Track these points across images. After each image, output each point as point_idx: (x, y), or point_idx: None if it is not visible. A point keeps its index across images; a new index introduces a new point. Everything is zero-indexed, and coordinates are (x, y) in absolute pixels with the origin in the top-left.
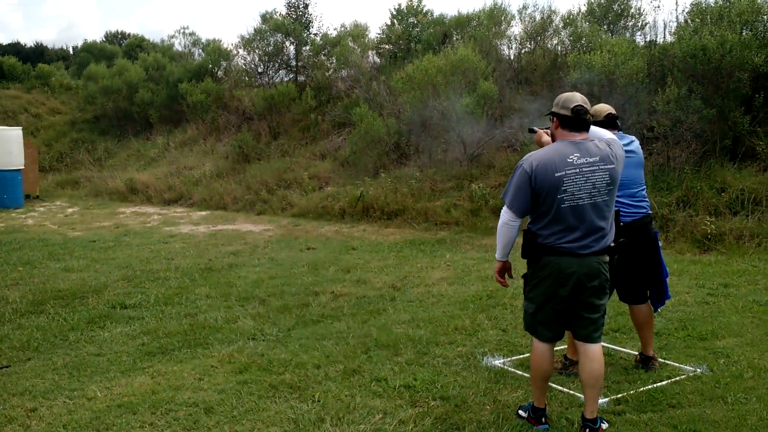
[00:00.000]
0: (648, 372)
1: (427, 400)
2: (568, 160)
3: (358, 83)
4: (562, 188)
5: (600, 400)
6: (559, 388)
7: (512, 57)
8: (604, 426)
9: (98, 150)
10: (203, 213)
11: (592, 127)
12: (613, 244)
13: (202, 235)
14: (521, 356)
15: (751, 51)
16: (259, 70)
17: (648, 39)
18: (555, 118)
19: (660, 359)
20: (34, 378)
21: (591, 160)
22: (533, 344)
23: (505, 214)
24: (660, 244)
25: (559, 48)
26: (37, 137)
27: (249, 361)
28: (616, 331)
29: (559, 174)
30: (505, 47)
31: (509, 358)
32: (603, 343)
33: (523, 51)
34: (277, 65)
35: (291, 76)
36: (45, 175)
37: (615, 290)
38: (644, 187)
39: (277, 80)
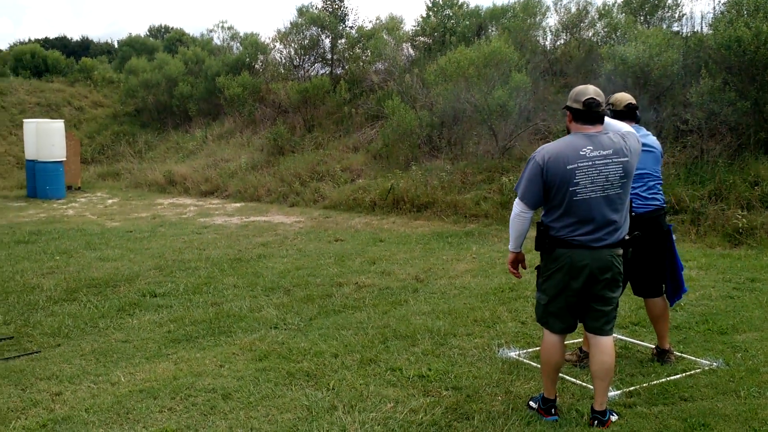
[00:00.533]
0: (663, 365)
1: (439, 389)
2: (581, 152)
3: (392, 76)
4: (575, 181)
5: (611, 393)
6: (572, 380)
7: (547, 48)
8: (614, 418)
9: (139, 142)
10: (237, 205)
11: (608, 119)
12: (627, 237)
13: (235, 227)
14: (537, 348)
15: None
16: (295, 63)
17: (684, 30)
18: (569, 112)
19: (677, 353)
20: (62, 363)
21: (604, 153)
22: (544, 335)
23: (517, 205)
24: (674, 237)
25: (594, 39)
26: (79, 130)
27: (269, 349)
28: (635, 325)
29: (571, 167)
30: (539, 38)
31: (525, 350)
32: (620, 336)
33: (557, 42)
34: (312, 58)
35: (326, 69)
36: (87, 166)
37: (629, 283)
38: (660, 180)
39: (312, 73)
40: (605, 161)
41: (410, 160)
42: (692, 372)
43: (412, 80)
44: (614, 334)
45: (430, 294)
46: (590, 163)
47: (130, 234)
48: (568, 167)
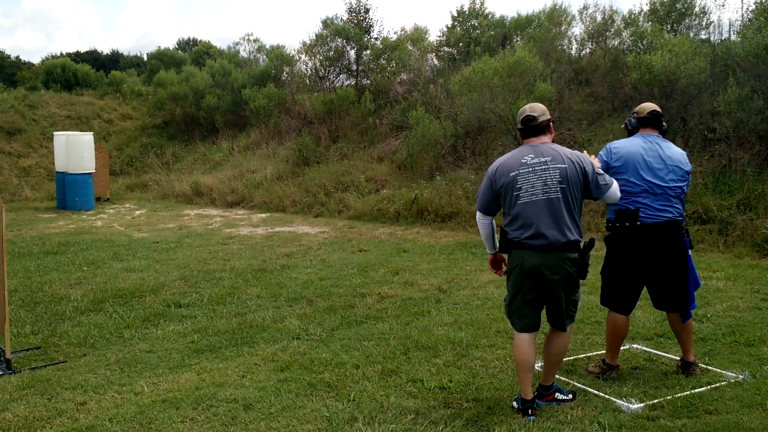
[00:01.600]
0: (688, 378)
1: (460, 401)
2: (522, 160)
3: (416, 86)
4: (517, 186)
5: (634, 405)
6: (594, 392)
7: (572, 58)
8: (561, 396)
9: (166, 154)
10: (263, 215)
11: (560, 148)
12: (578, 240)
13: (260, 237)
14: None
15: None
16: (320, 74)
17: (712, 38)
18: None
19: (702, 365)
20: (87, 373)
21: (543, 159)
22: (514, 335)
23: (478, 213)
24: (690, 252)
25: (621, 48)
26: (108, 142)
27: (291, 359)
28: (660, 336)
29: (513, 173)
30: (565, 48)
31: None
32: (644, 348)
33: (583, 52)
34: (337, 70)
35: (351, 80)
36: (115, 178)
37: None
38: (675, 193)
39: (337, 84)
40: (544, 167)
41: (434, 171)
42: (717, 385)
43: (436, 90)
44: (634, 345)
45: (452, 305)
46: (530, 169)
47: (157, 245)
48: (511, 174)
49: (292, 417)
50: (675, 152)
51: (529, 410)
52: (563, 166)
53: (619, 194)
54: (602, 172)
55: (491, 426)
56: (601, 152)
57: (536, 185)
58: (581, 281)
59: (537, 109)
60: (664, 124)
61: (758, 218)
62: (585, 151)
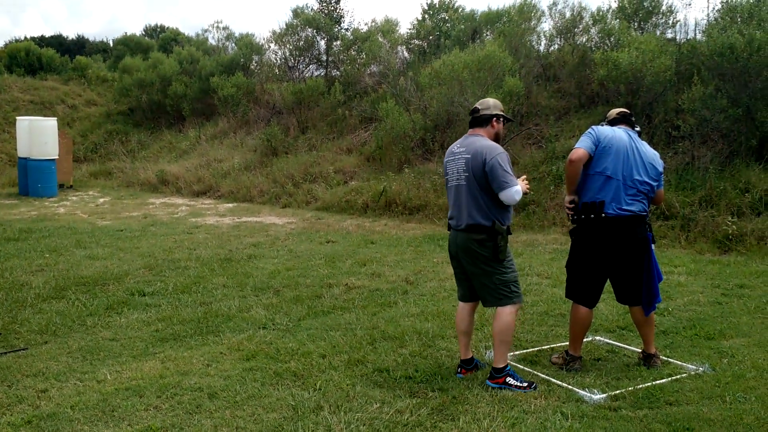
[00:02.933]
0: (649, 369)
1: (426, 391)
2: (452, 150)
3: (386, 78)
4: (447, 171)
5: (596, 396)
6: (558, 382)
7: (540, 53)
8: (513, 382)
9: (131, 141)
10: (230, 205)
11: (487, 143)
12: (483, 224)
13: (226, 227)
14: (524, 351)
15: None
16: (290, 64)
17: (677, 37)
18: None
19: (663, 357)
20: (48, 360)
21: (461, 149)
22: None
23: None
24: (653, 247)
25: (588, 45)
26: (72, 128)
27: (257, 349)
28: (622, 329)
29: (446, 160)
30: (533, 43)
31: (512, 353)
32: (606, 339)
33: (551, 47)
34: (307, 60)
35: (321, 70)
36: (79, 165)
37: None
38: (643, 188)
39: (307, 75)
40: (459, 156)
41: (403, 163)
42: (678, 377)
43: (406, 83)
44: (597, 337)
45: (419, 296)
46: (454, 157)
47: (121, 233)
48: (445, 161)
49: (257, 405)
50: (649, 151)
51: (459, 369)
52: (468, 156)
53: (512, 199)
54: (509, 172)
55: (456, 415)
56: (588, 131)
57: (453, 172)
58: (510, 264)
59: (484, 103)
60: (636, 126)
61: (719, 215)
62: None
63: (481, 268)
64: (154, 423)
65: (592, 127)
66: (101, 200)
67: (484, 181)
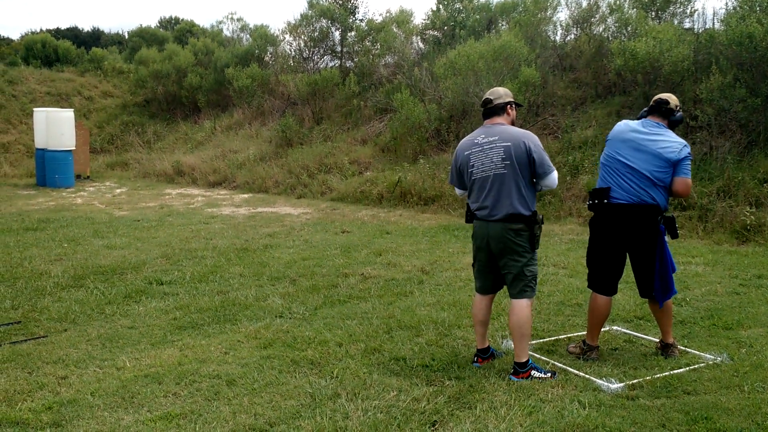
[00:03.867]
0: (667, 359)
1: (442, 379)
2: (476, 141)
3: (401, 69)
4: (470, 164)
5: (614, 385)
6: (575, 371)
7: (557, 43)
8: (537, 374)
9: (147, 133)
10: (245, 196)
11: (511, 128)
12: (521, 213)
13: (242, 217)
14: (541, 340)
15: None
16: (305, 55)
17: (695, 26)
18: None
19: (681, 347)
20: (68, 348)
21: (491, 139)
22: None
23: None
24: (665, 238)
25: (605, 34)
26: (89, 119)
27: (274, 337)
28: (640, 319)
29: (467, 152)
30: (550, 33)
31: (529, 342)
32: (624, 330)
33: (567, 37)
34: (322, 51)
35: (335, 61)
36: (96, 156)
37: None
38: (659, 181)
39: (321, 66)
40: (491, 146)
41: (418, 154)
42: (696, 366)
43: (421, 74)
44: (614, 327)
45: (435, 286)
46: (480, 148)
47: (138, 223)
48: (465, 153)
49: (275, 393)
50: (666, 142)
51: (476, 358)
52: (508, 144)
53: (555, 182)
54: (546, 156)
55: (473, 403)
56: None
57: (485, 162)
58: (536, 256)
59: (495, 92)
60: (675, 113)
61: (737, 205)
62: None
63: (515, 259)
64: (173, 409)
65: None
66: (118, 191)
67: (527, 168)
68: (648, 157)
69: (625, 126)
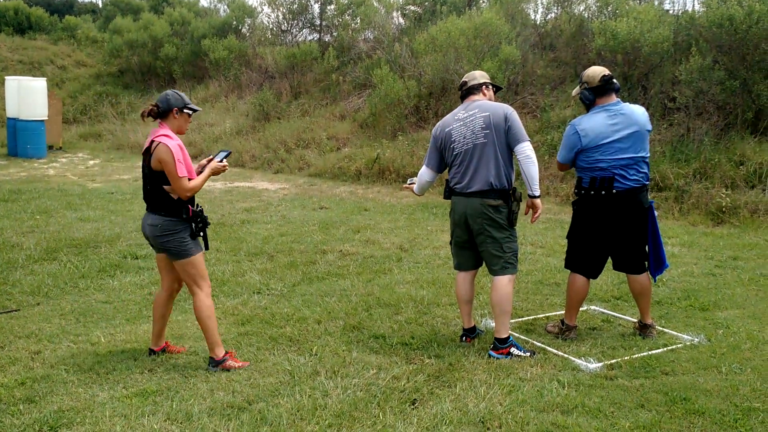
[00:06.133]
0: (645, 339)
1: (422, 357)
2: (456, 117)
3: (381, 44)
4: (452, 139)
5: (593, 365)
6: (554, 351)
7: (537, 22)
8: (516, 351)
9: (122, 103)
10: None
11: (488, 103)
12: (500, 188)
13: (218, 191)
14: (520, 319)
15: None
16: (283, 28)
17: (676, 7)
18: None
19: (659, 327)
20: (41, 322)
21: (471, 112)
22: None
23: (423, 168)
24: (655, 213)
25: (586, 14)
26: (61, 89)
27: (252, 314)
28: (617, 299)
29: (448, 128)
30: (530, 12)
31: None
32: (602, 309)
33: (548, 16)
34: (300, 24)
35: (314, 35)
36: (68, 126)
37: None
38: (638, 158)
39: (300, 39)
40: (472, 118)
41: (397, 130)
42: (674, 347)
43: (401, 49)
44: (592, 306)
45: (414, 263)
46: (461, 122)
47: (112, 195)
48: (446, 129)
49: (253, 370)
50: (638, 116)
51: (464, 337)
52: (487, 113)
53: (530, 152)
54: (522, 127)
55: (452, 381)
56: (568, 134)
57: (466, 135)
58: (515, 233)
59: (471, 75)
60: (615, 82)
61: (713, 187)
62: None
63: (493, 236)
64: (149, 386)
65: (571, 124)
66: (91, 162)
67: (504, 136)
68: (638, 138)
69: (604, 121)
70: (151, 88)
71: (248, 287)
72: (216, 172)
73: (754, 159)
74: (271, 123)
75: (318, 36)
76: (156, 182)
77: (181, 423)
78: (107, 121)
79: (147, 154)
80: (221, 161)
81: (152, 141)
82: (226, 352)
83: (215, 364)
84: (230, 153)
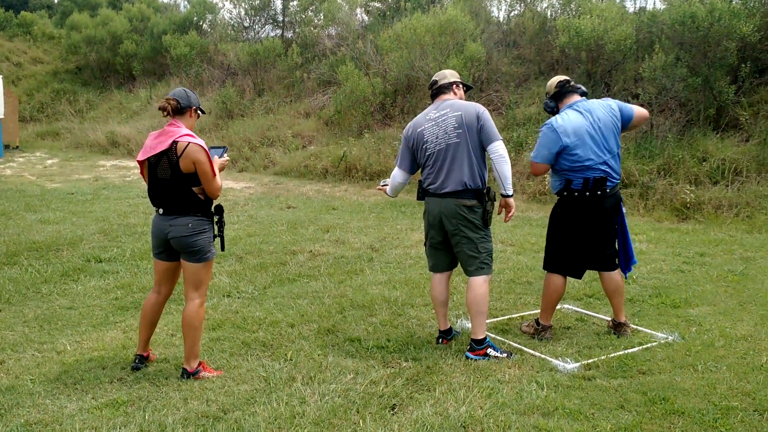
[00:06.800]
0: (620, 338)
1: (399, 361)
2: (427, 117)
3: (345, 41)
4: (424, 139)
5: (570, 365)
6: (531, 351)
7: (500, 19)
8: (493, 353)
9: (80, 101)
10: None
11: (457, 102)
12: (474, 188)
13: None
14: (495, 319)
15: (740, 20)
16: (245, 24)
17: (638, 5)
18: None
19: (632, 326)
20: (3, 330)
21: (443, 112)
22: None
23: (395, 169)
24: (624, 210)
25: (549, 12)
26: (17, 86)
27: (223, 318)
28: (590, 297)
29: (420, 129)
30: (494, 9)
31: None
32: (575, 308)
33: (512, 13)
34: (263, 20)
35: (277, 31)
36: (25, 125)
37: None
38: (592, 157)
39: (263, 35)
40: (444, 117)
41: (363, 128)
42: (649, 345)
43: (365, 46)
44: (566, 305)
45: (385, 263)
46: (433, 122)
47: (72, 196)
48: (418, 130)
49: (227, 377)
50: (603, 112)
51: (440, 339)
52: (459, 113)
53: (502, 150)
54: (494, 126)
55: (431, 385)
56: (546, 133)
57: (439, 135)
58: (490, 233)
59: (441, 74)
60: (576, 85)
61: (677, 183)
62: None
63: (468, 236)
64: (119, 396)
65: (549, 124)
66: (49, 162)
67: (476, 135)
68: (613, 133)
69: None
70: (110, 86)
71: (218, 290)
72: (221, 169)
73: (717, 155)
74: (234, 120)
75: (281, 32)
76: (186, 184)
77: None
78: (65, 119)
79: (165, 155)
80: (221, 157)
81: (174, 142)
82: (200, 363)
83: (188, 375)
84: (227, 149)
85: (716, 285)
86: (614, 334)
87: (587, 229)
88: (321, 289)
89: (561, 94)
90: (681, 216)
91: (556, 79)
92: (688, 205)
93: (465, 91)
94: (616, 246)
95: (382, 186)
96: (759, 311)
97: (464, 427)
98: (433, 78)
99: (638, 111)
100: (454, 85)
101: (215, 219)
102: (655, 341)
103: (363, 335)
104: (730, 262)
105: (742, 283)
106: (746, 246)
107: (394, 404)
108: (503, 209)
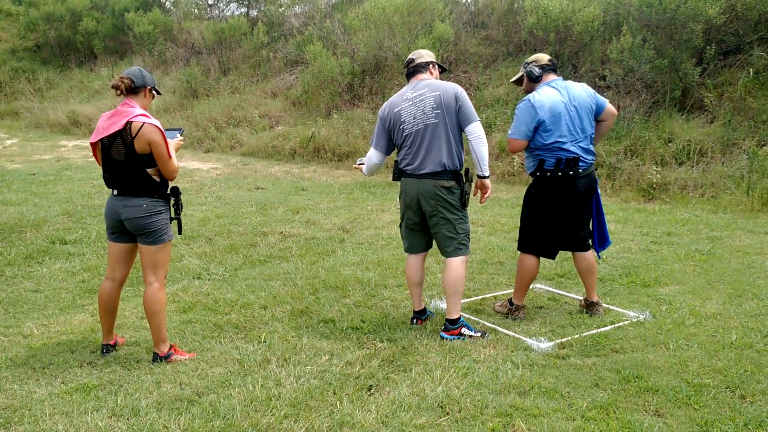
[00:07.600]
0: (592, 317)
1: (374, 342)
2: (404, 96)
3: (312, 20)
4: (402, 119)
5: (544, 344)
6: (505, 331)
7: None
8: (467, 332)
9: (39, 80)
10: None
11: (435, 82)
12: (452, 169)
13: None
14: (468, 299)
15: (706, 2)
16: (210, 2)
17: None
18: None
19: (604, 305)
20: None
21: (421, 92)
22: None
23: (370, 150)
24: (598, 190)
25: None
26: None
27: (194, 300)
28: (561, 276)
29: (397, 109)
30: None
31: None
32: (547, 287)
33: None
34: None
35: (242, 9)
36: None
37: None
38: (566, 134)
39: (228, 14)
40: (422, 97)
41: (331, 108)
42: (621, 324)
43: (333, 25)
44: (538, 285)
45: (357, 244)
46: (411, 102)
47: (34, 177)
48: (395, 110)
49: (200, 360)
50: (581, 92)
51: (414, 320)
52: (437, 93)
53: (481, 132)
54: (472, 106)
55: (407, 366)
56: (523, 108)
57: (416, 115)
58: (467, 214)
59: (418, 53)
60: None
61: (644, 164)
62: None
63: (447, 217)
64: (90, 380)
65: (527, 101)
66: (9, 142)
67: (455, 115)
68: (588, 113)
69: (557, 96)
70: (70, 64)
71: (187, 272)
72: (177, 150)
73: (682, 136)
74: (199, 100)
75: (246, 10)
76: (141, 165)
77: (127, 419)
78: (24, 99)
79: (119, 136)
80: (176, 138)
81: (128, 122)
82: (171, 346)
83: (160, 359)
84: (183, 130)
85: (684, 264)
86: (587, 313)
87: (560, 210)
88: (293, 271)
89: (548, 68)
90: (648, 196)
91: (546, 56)
92: (655, 185)
93: (440, 73)
94: (590, 227)
95: (359, 165)
96: (726, 290)
97: (441, 407)
98: (410, 56)
99: (609, 106)
100: (431, 65)
101: (172, 201)
102: (627, 320)
103: (337, 316)
104: (696, 241)
105: (709, 262)
106: (712, 226)
107: (371, 385)
108: (479, 190)
